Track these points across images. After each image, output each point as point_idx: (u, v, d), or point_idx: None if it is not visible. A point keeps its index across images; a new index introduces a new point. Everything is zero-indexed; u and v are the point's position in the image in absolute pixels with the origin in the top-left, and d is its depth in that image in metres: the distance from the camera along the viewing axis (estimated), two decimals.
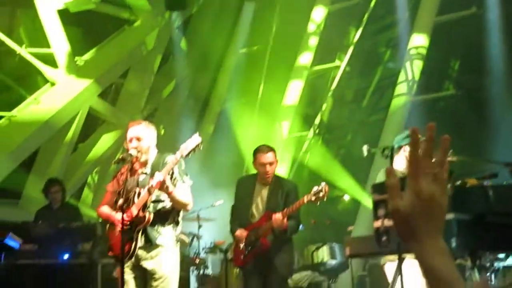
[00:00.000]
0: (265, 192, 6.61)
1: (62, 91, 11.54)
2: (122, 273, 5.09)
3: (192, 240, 9.76)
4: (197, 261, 9.56)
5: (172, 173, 5.40)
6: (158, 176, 5.16)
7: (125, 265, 5.26)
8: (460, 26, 11.53)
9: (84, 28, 12.22)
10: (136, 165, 5.53)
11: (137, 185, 5.43)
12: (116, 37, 12.68)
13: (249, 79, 11.94)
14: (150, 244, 5.30)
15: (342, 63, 12.84)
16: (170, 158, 5.29)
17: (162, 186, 5.13)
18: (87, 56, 12.21)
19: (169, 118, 13.56)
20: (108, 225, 5.59)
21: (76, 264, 7.93)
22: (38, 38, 11.42)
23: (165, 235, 5.37)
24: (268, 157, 6.55)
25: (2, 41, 11.00)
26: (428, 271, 1.34)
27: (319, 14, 12.86)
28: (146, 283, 5.32)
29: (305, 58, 12.38)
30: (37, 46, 11.57)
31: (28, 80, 11.48)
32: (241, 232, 6.54)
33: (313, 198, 6.19)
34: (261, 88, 11.82)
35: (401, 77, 12.41)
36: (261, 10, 12.83)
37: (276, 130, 11.69)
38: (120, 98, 13.24)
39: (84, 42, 12.06)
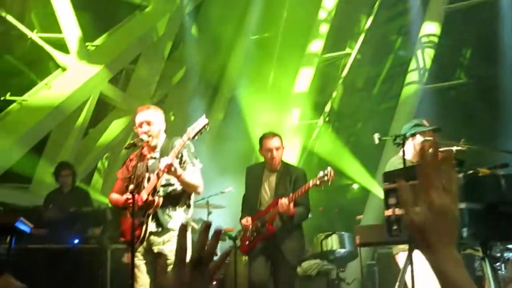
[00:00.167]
0: (273, 179, 6.62)
1: (73, 77, 11.54)
2: (133, 257, 5.11)
3: (201, 226, 9.77)
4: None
5: (182, 156, 5.40)
6: (166, 160, 5.17)
7: (137, 251, 5.28)
8: (472, 14, 11.45)
9: (96, 14, 12.20)
10: (145, 151, 5.54)
11: (147, 170, 5.45)
12: (127, 22, 12.66)
13: (260, 66, 11.91)
14: (161, 229, 5.31)
15: (353, 51, 12.79)
16: (178, 142, 5.29)
17: (170, 169, 5.13)
18: (98, 41, 12.20)
19: (179, 104, 13.56)
20: (120, 211, 5.61)
21: (86, 249, 7.97)
22: (50, 23, 11.41)
23: (176, 218, 5.38)
24: (274, 142, 6.57)
25: (14, 26, 11.00)
26: (442, 279, 1.40)
27: (330, 1, 12.80)
28: (157, 268, 5.34)
29: (316, 46, 12.33)
30: (49, 31, 11.57)
31: (39, 65, 11.49)
32: (246, 220, 6.57)
33: (318, 182, 6.18)
34: (272, 75, 11.79)
35: (412, 65, 12.36)
36: None
37: (286, 117, 11.67)
38: (131, 84, 13.23)
39: (95, 27, 12.05)
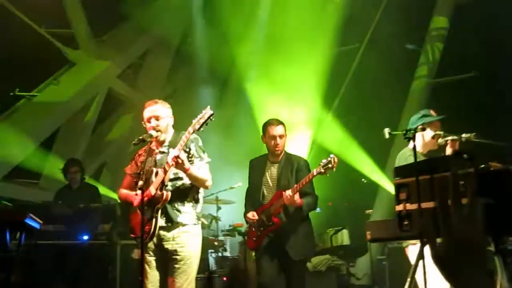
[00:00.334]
0: (275, 170, 6.54)
1: (81, 72, 11.55)
2: (143, 253, 5.09)
3: (211, 222, 9.77)
4: (216, 243, 9.57)
5: (190, 150, 5.39)
6: (173, 152, 5.15)
7: (146, 246, 5.27)
8: (482, 8, 11.36)
9: (104, 9, 12.19)
10: (154, 145, 5.52)
11: (155, 165, 5.43)
12: (136, 17, 12.63)
13: (269, 59, 11.85)
14: (170, 224, 5.29)
15: (362, 45, 12.75)
16: (184, 134, 5.28)
17: (177, 162, 5.11)
18: (107, 36, 12.20)
19: (188, 99, 13.53)
20: (128, 207, 5.60)
21: (95, 244, 7.98)
22: (59, 18, 11.41)
23: (185, 213, 5.36)
24: (278, 129, 6.50)
25: (23, 21, 11.00)
26: None
27: None
28: (167, 264, 5.32)
29: (326, 39, 12.27)
30: (57, 26, 11.57)
31: (48, 61, 11.49)
32: (252, 215, 6.49)
33: (322, 170, 6.10)
34: (281, 69, 11.74)
35: (422, 59, 12.30)
36: None
37: (296, 110, 11.62)
38: (140, 79, 13.23)
39: (104, 22, 12.03)
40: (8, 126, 10.55)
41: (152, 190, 5.26)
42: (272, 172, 6.55)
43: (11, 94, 10.97)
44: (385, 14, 12.34)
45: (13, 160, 10.56)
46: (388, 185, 10.86)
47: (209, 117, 5.18)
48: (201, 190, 5.59)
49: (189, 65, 13.47)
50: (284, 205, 6.27)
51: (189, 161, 5.32)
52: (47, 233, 7.56)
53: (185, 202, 5.40)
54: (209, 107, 5.25)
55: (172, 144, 5.39)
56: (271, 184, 6.52)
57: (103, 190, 10.19)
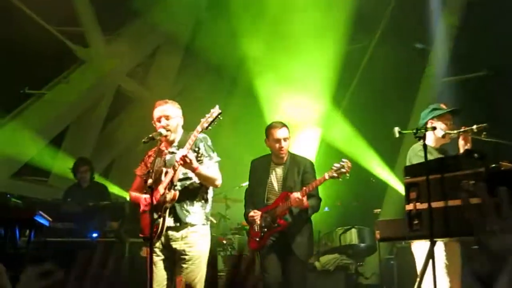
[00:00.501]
0: (280, 171, 6.49)
1: (91, 70, 11.57)
2: (151, 253, 5.09)
3: (219, 221, 9.77)
4: (224, 242, 9.57)
5: (199, 149, 5.39)
6: (181, 151, 5.15)
7: (154, 246, 5.26)
8: (492, 5, 11.30)
9: (114, 7, 12.19)
10: (163, 146, 5.52)
11: (165, 165, 5.43)
12: (146, 15, 12.63)
13: (279, 58, 11.83)
14: (179, 224, 5.29)
15: (372, 42, 12.71)
16: (193, 133, 5.28)
17: (185, 161, 5.11)
18: (116, 34, 12.20)
19: (198, 97, 13.52)
20: (138, 207, 5.60)
21: (104, 242, 7.99)
22: (68, 16, 11.42)
23: (194, 213, 5.35)
24: (282, 132, 6.45)
25: (33, 19, 11.02)
26: None
27: None
28: (175, 264, 5.31)
29: (335, 36, 12.23)
30: (67, 24, 11.58)
31: (57, 59, 11.50)
32: (255, 213, 6.44)
33: (335, 174, 6.07)
34: (291, 66, 11.71)
35: (431, 57, 12.25)
36: None
37: (305, 109, 11.60)
38: (149, 77, 13.23)
39: (114, 20, 12.04)
40: (18, 124, 10.58)
41: (161, 189, 5.26)
42: (277, 173, 6.52)
43: (21, 92, 11.00)
44: (395, 13, 12.30)
45: (22, 158, 10.59)
46: (397, 185, 10.82)
47: (217, 116, 5.18)
48: (210, 190, 5.58)
49: (198, 62, 13.45)
50: (290, 207, 6.25)
51: (198, 160, 5.31)
52: (56, 230, 7.58)
53: (194, 202, 5.39)
54: (217, 106, 5.25)
55: (181, 144, 5.39)
56: (276, 185, 6.49)
57: (112, 188, 10.22)
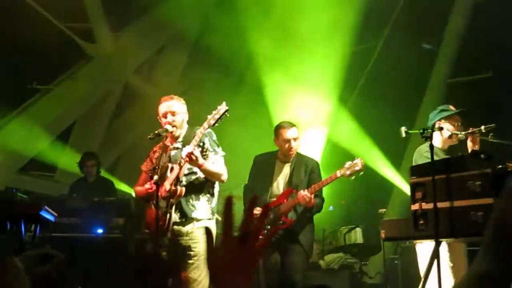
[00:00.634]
0: (287, 169, 6.43)
1: (98, 66, 11.58)
2: (157, 248, 5.10)
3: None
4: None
5: (204, 144, 5.39)
6: (187, 148, 5.16)
7: (160, 242, 5.27)
8: (499, 7, 11.27)
9: (122, 3, 12.21)
10: (168, 141, 5.53)
11: (170, 161, 5.44)
12: (153, 12, 12.64)
13: (286, 55, 11.82)
14: (185, 219, 5.29)
15: (379, 43, 12.69)
16: (199, 130, 5.28)
17: (191, 158, 5.11)
18: (124, 31, 12.21)
19: (204, 95, 13.51)
20: (145, 204, 5.61)
21: (109, 238, 8.00)
22: (77, 12, 11.44)
23: (200, 208, 5.36)
24: (292, 132, 6.38)
25: (41, 14, 11.03)
26: None
27: None
28: (181, 260, 5.32)
29: (343, 36, 12.22)
30: (75, 21, 11.60)
31: (65, 54, 11.52)
32: (257, 209, 6.33)
33: (348, 172, 6.03)
34: (298, 65, 11.70)
35: (438, 58, 12.23)
36: None
37: (311, 108, 11.59)
38: (156, 73, 13.23)
39: (122, 17, 12.05)
40: (25, 119, 10.61)
41: (166, 185, 5.26)
42: (283, 171, 6.45)
43: (29, 87, 11.02)
44: (402, 13, 12.28)
45: (29, 153, 10.62)
46: (402, 185, 10.80)
47: (224, 113, 5.19)
48: (216, 184, 5.59)
49: (205, 60, 13.45)
50: (296, 204, 6.22)
51: (204, 155, 5.32)
52: (61, 225, 7.59)
53: (200, 196, 5.41)
54: (224, 103, 5.26)
55: (186, 140, 5.40)
56: (280, 183, 6.42)
57: (118, 184, 10.23)
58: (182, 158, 5.21)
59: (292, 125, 6.48)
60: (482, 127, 5.40)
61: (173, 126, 5.43)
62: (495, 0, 11.34)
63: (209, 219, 5.42)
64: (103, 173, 9.47)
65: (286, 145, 6.36)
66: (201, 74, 13.60)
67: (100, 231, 8.01)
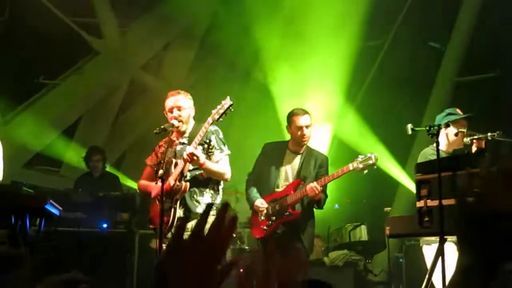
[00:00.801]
0: (297, 160, 6.34)
1: (105, 61, 11.59)
2: (161, 244, 5.10)
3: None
4: (234, 235, 9.56)
5: (210, 141, 5.38)
6: (189, 149, 5.16)
7: (165, 237, 5.26)
8: (508, 5, 11.23)
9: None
10: (174, 136, 5.53)
11: (175, 156, 5.43)
12: (160, 8, 12.63)
13: (293, 51, 11.80)
14: (189, 215, 5.29)
15: (386, 40, 12.66)
16: (203, 126, 5.27)
17: (192, 158, 5.11)
18: (131, 27, 12.21)
19: (211, 90, 13.50)
20: (149, 198, 5.61)
21: (114, 233, 8.00)
22: (84, 7, 11.45)
23: (204, 204, 5.35)
24: (305, 119, 6.30)
25: (48, 9, 11.04)
26: None
27: None
28: None
29: (350, 33, 12.19)
30: (82, 15, 11.60)
31: (72, 49, 11.53)
32: (261, 203, 6.24)
33: (361, 166, 5.96)
34: (305, 61, 11.68)
35: (446, 57, 12.18)
36: None
37: (318, 105, 11.57)
38: (163, 69, 13.23)
39: (129, 12, 12.05)
40: (31, 114, 10.63)
41: (171, 181, 5.26)
42: (294, 162, 6.36)
43: (36, 81, 11.04)
44: (411, 11, 12.24)
45: (35, 147, 10.64)
46: (408, 183, 10.78)
47: (228, 108, 5.18)
48: (221, 181, 5.58)
49: (212, 56, 13.44)
50: (304, 196, 6.12)
51: (210, 152, 5.32)
52: (66, 220, 7.60)
53: (204, 192, 5.40)
54: (228, 97, 5.25)
55: (192, 135, 5.40)
56: (289, 174, 6.34)
57: (123, 180, 10.24)
58: (183, 158, 5.21)
59: (305, 112, 6.39)
60: (489, 134, 5.37)
61: (179, 121, 5.43)
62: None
63: (213, 215, 5.39)
64: (109, 168, 9.48)
65: (299, 132, 6.27)
66: (208, 70, 13.59)
67: (105, 225, 8.01)
